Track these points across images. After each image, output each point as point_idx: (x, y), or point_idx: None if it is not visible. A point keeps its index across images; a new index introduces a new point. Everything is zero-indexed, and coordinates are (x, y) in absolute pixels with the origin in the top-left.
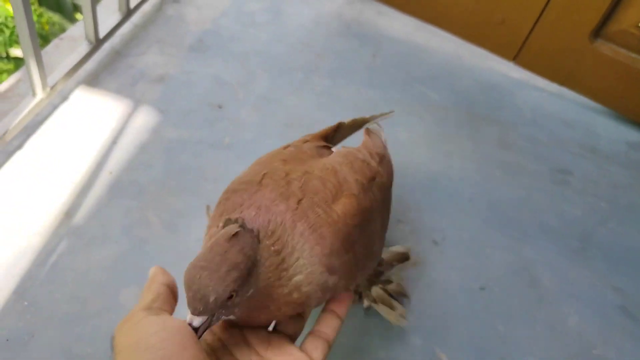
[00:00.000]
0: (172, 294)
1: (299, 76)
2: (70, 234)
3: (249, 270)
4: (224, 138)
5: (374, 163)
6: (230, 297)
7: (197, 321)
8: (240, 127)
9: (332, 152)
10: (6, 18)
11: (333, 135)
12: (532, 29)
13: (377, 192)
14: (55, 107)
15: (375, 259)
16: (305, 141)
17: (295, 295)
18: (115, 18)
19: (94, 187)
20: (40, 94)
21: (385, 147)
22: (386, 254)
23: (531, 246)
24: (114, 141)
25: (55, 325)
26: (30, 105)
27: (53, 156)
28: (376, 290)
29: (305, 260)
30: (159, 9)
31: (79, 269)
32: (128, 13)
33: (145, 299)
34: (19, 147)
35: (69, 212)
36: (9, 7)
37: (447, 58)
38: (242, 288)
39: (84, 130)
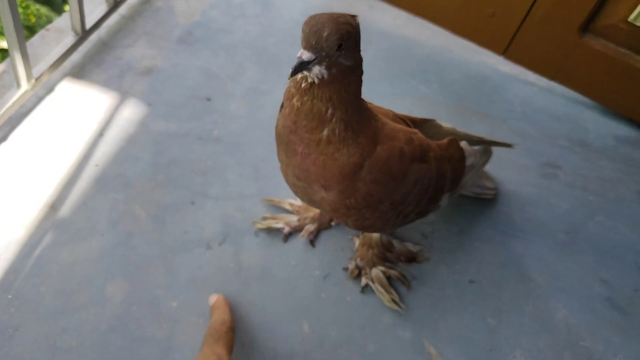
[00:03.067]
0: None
1: (288, 69)
2: (56, 226)
3: (356, 40)
4: (213, 130)
5: (431, 155)
6: (339, 46)
7: (307, 55)
8: (229, 120)
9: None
10: None
11: (420, 124)
12: (521, 23)
13: (414, 171)
14: (40, 99)
15: (379, 221)
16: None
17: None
18: (102, 9)
19: (80, 179)
20: (25, 85)
21: (461, 158)
22: (399, 245)
23: (520, 240)
24: (101, 133)
25: (40, 319)
26: (14, 97)
27: (38, 148)
28: (376, 272)
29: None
30: (147, 1)
31: (64, 262)
32: (115, 4)
33: (220, 346)
34: (4, 138)
35: (55, 205)
36: None
37: (437, 51)
38: (348, 49)
39: (69, 123)
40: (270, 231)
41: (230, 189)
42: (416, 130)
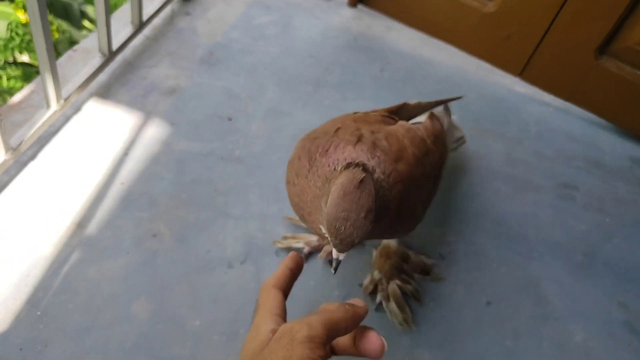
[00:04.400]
0: (292, 276)
1: (308, 89)
2: (83, 244)
3: (376, 206)
4: (234, 150)
5: (429, 142)
6: None
7: (342, 256)
8: (250, 140)
9: (397, 122)
10: (16, 25)
11: (397, 112)
12: (538, 45)
13: (427, 166)
14: (68, 119)
15: (414, 223)
16: (373, 110)
17: None
18: (128, 31)
19: (106, 197)
20: (54, 105)
21: (443, 130)
22: (415, 257)
23: (537, 261)
24: (126, 152)
25: (68, 336)
26: (44, 117)
27: (66, 167)
28: (393, 286)
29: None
30: (170, 22)
31: (91, 279)
32: (140, 26)
33: (270, 307)
34: (33, 157)
35: (81, 223)
36: (20, 15)
37: (453, 72)
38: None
39: (96, 142)
40: (291, 250)
41: (251, 208)
42: (403, 123)
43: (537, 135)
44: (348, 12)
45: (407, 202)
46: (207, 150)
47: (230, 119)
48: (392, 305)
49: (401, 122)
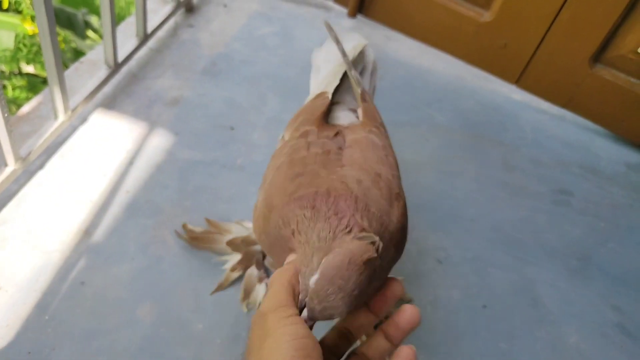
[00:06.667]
0: (296, 294)
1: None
2: (90, 251)
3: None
4: (236, 159)
5: (388, 142)
6: None
7: (310, 323)
8: (252, 149)
9: (341, 133)
10: (24, 37)
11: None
12: (533, 54)
13: (397, 170)
14: (75, 129)
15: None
16: (306, 132)
17: None
18: (133, 43)
19: (111, 205)
20: (62, 116)
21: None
22: None
23: (532, 266)
24: (131, 162)
25: (75, 339)
26: (52, 128)
27: (73, 176)
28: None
29: None
30: (173, 34)
31: (97, 285)
32: (145, 38)
33: (280, 298)
34: (41, 167)
35: (88, 230)
36: (27, 26)
37: (451, 80)
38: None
39: (102, 151)
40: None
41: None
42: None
43: (533, 142)
44: (348, 23)
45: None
46: (210, 159)
47: (232, 129)
48: None
49: (353, 140)
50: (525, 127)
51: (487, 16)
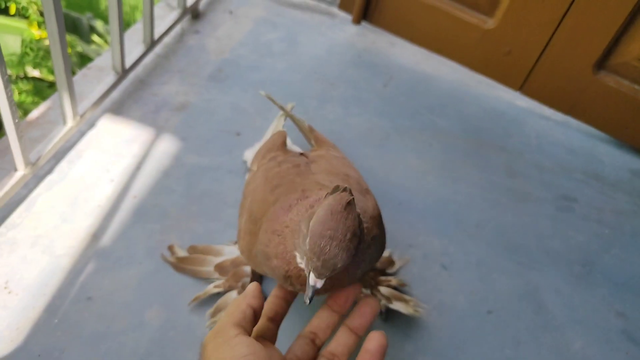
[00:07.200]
0: (255, 318)
1: (313, 104)
2: (98, 255)
3: (361, 235)
4: (242, 164)
5: (348, 160)
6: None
7: (320, 283)
8: None
9: (304, 154)
10: (30, 41)
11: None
12: (537, 61)
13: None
14: (83, 134)
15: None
16: (273, 156)
17: None
18: (140, 49)
19: (119, 210)
20: (70, 122)
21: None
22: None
23: (537, 271)
24: (138, 166)
25: (84, 342)
26: (61, 133)
27: (81, 180)
28: (385, 289)
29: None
30: (180, 40)
31: (105, 288)
32: (152, 44)
33: (235, 315)
34: (50, 171)
35: (96, 234)
36: (34, 31)
37: (455, 87)
38: (357, 252)
39: (110, 156)
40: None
41: None
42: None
43: (537, 148)
44: (352, 29)
45: (381, 232)
46: (216, 164)
47: (238, 134)
48: (397, 303)
49: (315, 155)
50: (529, 133)
51: (490, 23)
